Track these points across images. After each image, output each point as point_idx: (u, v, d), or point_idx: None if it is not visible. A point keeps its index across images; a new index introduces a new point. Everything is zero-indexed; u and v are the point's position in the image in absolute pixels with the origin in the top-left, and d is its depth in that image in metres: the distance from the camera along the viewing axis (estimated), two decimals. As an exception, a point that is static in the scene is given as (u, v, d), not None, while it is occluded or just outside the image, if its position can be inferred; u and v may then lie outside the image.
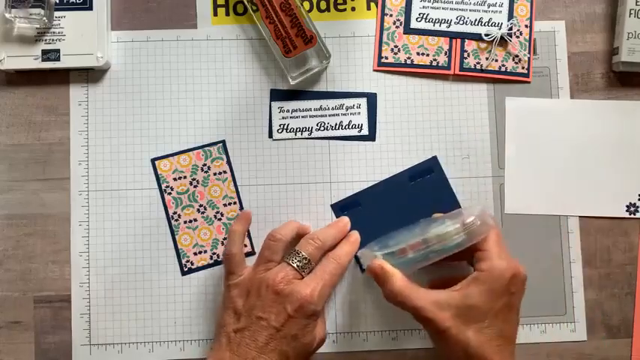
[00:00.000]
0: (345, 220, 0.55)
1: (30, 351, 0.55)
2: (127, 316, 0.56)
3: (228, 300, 0.51)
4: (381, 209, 0.57)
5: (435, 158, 0.57)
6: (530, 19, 0.59)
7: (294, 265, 0.50)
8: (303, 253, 0.51)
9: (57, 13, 0.56)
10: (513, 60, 0.58)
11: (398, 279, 0.48)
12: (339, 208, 0.57)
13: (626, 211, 0.58)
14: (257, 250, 0.57)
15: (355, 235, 0.55)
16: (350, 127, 0.58)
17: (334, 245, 0.53)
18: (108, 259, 0.56)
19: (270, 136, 0.58)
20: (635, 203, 0.58)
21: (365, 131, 0.58)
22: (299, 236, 0.53)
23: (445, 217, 0.51)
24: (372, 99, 0.58)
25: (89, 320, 0.56)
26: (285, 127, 0.58)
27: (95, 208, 0.57)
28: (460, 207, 0.57)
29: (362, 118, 0.58)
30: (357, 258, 0.55)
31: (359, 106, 0.58)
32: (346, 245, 0.54)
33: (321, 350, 0.55)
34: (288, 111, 0.58)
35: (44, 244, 0.56)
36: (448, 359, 0.48)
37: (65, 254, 0.56)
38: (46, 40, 0.56)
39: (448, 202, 0.57)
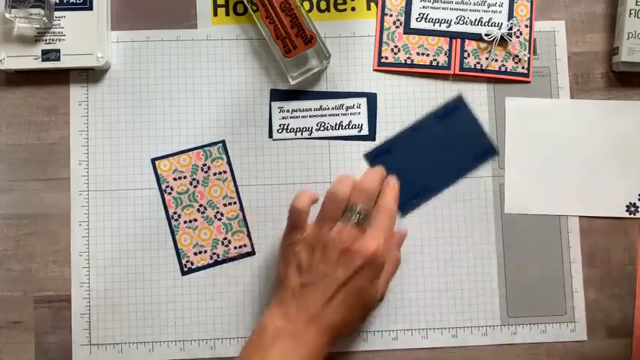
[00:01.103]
0: (381, 168, 0.55)
1: (30, 351, 0.55)
2: (127, 316, 0.56)
3: (292, 255, 0.51)
4: (412, 153, 0.58)
5: (460, 97, 0.58)
6: (530, 19, 0.59)
7: (354, 222, 0.50)
8: (359, 207, 0.51)
9: (57, 13, 0.56)
10: (513, 60, 0.58)
11: None
12: (374, 157, 0.58)
13: (626, 211, 0.58)
14: (257, 249, 0.57)
15: (394, 180, 0.54)
16: (350, 127, 0.58)
17: (380, 186, 0.53)
18: (108, 259, 0.56)
19: (270, 136, 0.58)
20: (635, 203, 0.58)
21: (365, 131, 0.58)
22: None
23: None
24: (372, 99, 0.58)
25: (89, 320, 0.56)
26: (285, 127, 0.58)
27: (95, 208, 0.57)
28: (492, 143, 0.58)
29: (362, 118, 0.58)
30: None
31: (359, 106, 0.58)
32: (390, 191, 0.53)
33: (321, 350, 0.56)
34: (288, 111, 0.58)
35: (44, 244, 0.56)
36: None
37: (65, 254, 0.56)
38: (46, 40, 0.56)
39: (480, 140, 0.58)
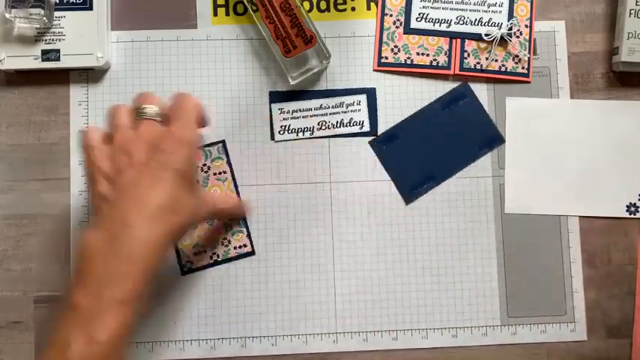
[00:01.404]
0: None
1: (30, 351, 0.55)
2: (127, 316, 0.56)
3: (93, 168, 0.45)
4: (418, 141, 0.58)
5: (466, 84, 0.58)
6: (530, 19, 0.59)
7: (152, 114, 0.46)
8: (151, 107, 0.46)
9: (57, 13, 0.56)
10: (513, 60, 0.58)
11: None
12: (379, 144, 0.57)
13: (626, 211, 0.58)
14: (257, 249, 0.57)
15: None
16: (351, 124, 0.58)
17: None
18: (108, 259, 0.56)
19: (272, 137, 0.58)
20: (635, 203, 0.58)
21: (367, 127, 0.58)
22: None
23: None
24: (371, 95, 0.58)
25: (89, 320, 0.56)
26: (287, 128, 0.58)
27: (95, 208, 0.57)
28: (497, 130, 0.58)
29: (362, 115, 0.58)
30: None
31: (359, 103, 0.58)
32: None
33: (321, 350, 0.56)
34: (288, 112, 0.58)
35: (44, 244, 0.56)
36: None
37: (65, 254, 0.56)
38: (46, 40, 0.56)
39: (485, 127, 0.58)
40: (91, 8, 0.56)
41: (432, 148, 0.58)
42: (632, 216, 0.58)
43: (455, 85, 0.58)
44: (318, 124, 0.58)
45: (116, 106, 0.47)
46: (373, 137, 0.58)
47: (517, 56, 0.58)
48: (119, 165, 0.44)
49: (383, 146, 0.57)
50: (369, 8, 0.59)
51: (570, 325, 0.57)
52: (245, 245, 0.57)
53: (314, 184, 0.57)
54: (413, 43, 0.58)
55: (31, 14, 0.54)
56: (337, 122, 0.58)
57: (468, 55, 0.58)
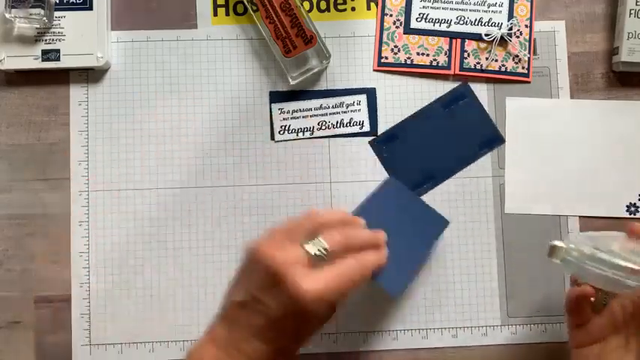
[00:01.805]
0: (382, 234, 0.48)
1: (30, 351, 0.55)
2: (127, 316, 0.56)
3: (241, 264, 0.44)
4: (418, 141, 0.58)
5: (466, 84, 0.58)
6: (530, 19, 0.59)
7: (312, 253, 0.42)
8: (326, 245, 0.43)
9: (57, 13, 0.56)
10: (513, 60, 0.58)
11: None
12: (379, 144, 0.57)
13: (626, 211, 0.58)
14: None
15: (386, 251, 0.47)
16: (351, 124, 0.58)
17: (366, 247, 0.45)
18: (108, 259, 0.56)
19: (273, 137, 0.58)
20: (635, 203, 0.58)
21: (366, 128, 0.58)
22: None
23: None
24: (371, 95, 0.58)
25: (89, 320, 0.56)
26: (287, 128, 0.58)
27: (95, 208, 0.57)
28: (497, 130, 0.57)
29: (362, 115, 0.58)
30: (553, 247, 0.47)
31: (359, 103, 0.58)
32: (376, 254, 0.46)
33: (322, 350, 0.56)
34: (288, 112, 0.58)
35: (44, 244, 0.56)
36: None
37: (65, 254, 0.56)
38: (46, 40, 0.56)
39: (485, 127, 0.58)
40: (91, 8, 0.56)
41: (433, 148, 0.58)
42: (632, 216, 0.58)
43: (455, 85, 0.58)
44: (318, 124, 0.58)
45: (337, 211, 0.47)
46: (373, 137, 0.58)
47: (517, 56, 0.58)
48: (256, 291, 0.42)
49: (383, 146, 0.57)
50: (369, 8, 0.59)
51: (570, 325, 0.57)
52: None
53: (314, 184, 0.57)
54: (413, 43, 0.58)
55: (31, 14, 0.54)
56: (337, 122, 0.58)
57: (468, 55, 0.58)
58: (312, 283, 0.41)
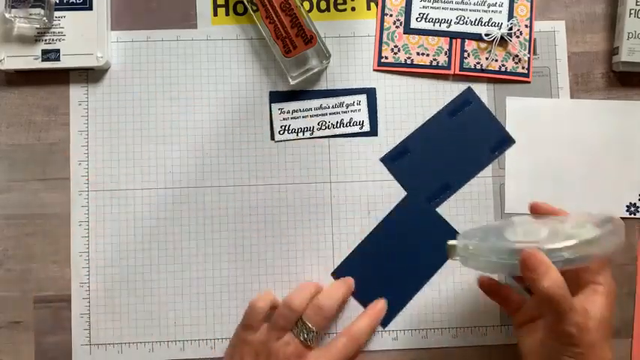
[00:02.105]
0: (351, 281, 0.56)
1: (30, 351, 0.55)
2: (126, 316, 0.56)
3: (238, 355, 0.51)
4: (429, 152, 0.57)
5: (469, 89, 0.58)
6: (530, 19, 0.59)
7: (302, 339, 0.51)
8: (310, 325, 0.51)
9: (57, 13, 0.56)
10: (513, 60, 0.58)
11: (556, 271, 0.42)
12: (390, 160, 0.57)
13: (626, 211, 0.58)
14: (257, 249, 0.57)
15: (380, 305, 0.55)
16: (351, 124, 0.58)
17: (342, 305, 0.54)
18: (108, 259, 0.56)
19: (272, 137, 0.58)
20: (635, 203, 0.58)
21: (366, 127, 0.58)
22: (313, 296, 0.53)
23: (563, 219, 0.47)
24: (371, 95, 0.58)
25: (89, 320, 0.56)
26: (287, 128, 0.58)
27: (95, 208, 0.57)
28: (507, 132, 0.57)
29: (362, 115, 0.58)
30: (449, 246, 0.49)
31: (359, 103, 0.58)
32: (367, 319, 0.54)
33: (321, 350, 0.56)
34: (288, 112, 0.58)
35: (44, 244, 0.56)
36: None
37: (65, 254, 0.56)
38: (46, 40, 0.56)
39: (494, 130, 0.58)
40: (91, 8, 0.56)
41: (445, 158, 0.57)
42: (632, 216, 0.58)
43: (456, 86, 0.58)
44: (318, 124, 0.58)
45: (303, 288, 0.53)
46: (384, 155, 0.57)
47: (517, 56, 0.58)
48: None
49: (395, 161, 0.57)
50: (369, 8, 0.59)
51: (570, 325, 0.57)
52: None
53: (314, 184, 0.57)
54: (413, 43, 0.58)
55: (31, 14, 0.54)
56: (337, 122, 0.58)
57: (468, 55, 0.58)
58: None
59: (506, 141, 0.58)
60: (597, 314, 0.44)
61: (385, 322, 0.56)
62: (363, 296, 0.56)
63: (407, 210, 0.56)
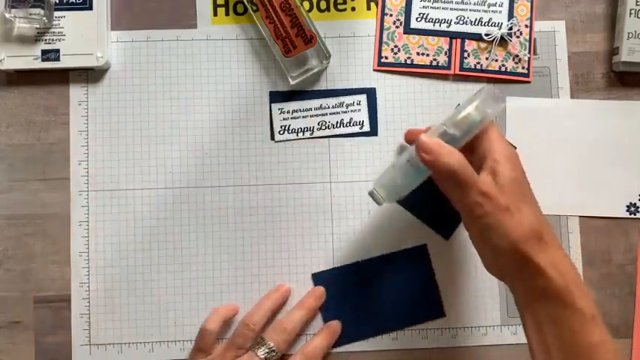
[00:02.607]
0: (319, 292, 0.55)
1: (30, 351, 0.55)
2: (127, 316, 0.56)
3: None
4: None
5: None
6: (531, 19, 0.59)
7: (261, 356, 0.51)
8: (271, 344, 0.52)
9: (57, 13, 0.56)
10: (513, 60, 0.58)
11: (450, 147, 0.45)
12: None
13: (626, 211, 0.58)
14: (257, 250, 0.57)
15: (335, 325, 0.55)
16: (351, 124, 0.58)
17: (305, 326, 0.54)
18: (108, 259, 0.56)
19: (272, 137, 0.58)
20: (635, 203, 0.58)
21: (366, 127, 0.58)
22: (274, 313, 0.54)
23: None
24: (371, 95, 0.58)
25: (89, 320, 0.56)
26: (287, 128, 0.58)
27: (95, 208, 0.57)
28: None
29: (362, 115, 0.58)
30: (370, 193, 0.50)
31: (359, 103, 0.58)
32: (320, 339, 0.54)
33: (321, 350, 0.56)
34: (288, 112, 0.58)
35: (44, 244, 0.56)
36: (490, 250, 0.45)
37: (65, 254, 0.56)
38: (45, 40, 0.56)
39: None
40: (90, 8, 0.56)
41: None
42: (632, 216, 0.58)
43: (456, 86, 0.58)
44: (318, 124, 0.58)
45: (262, 305, 0.54)
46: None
47: (517, 56, 0.58)
48: None
49: (405, 202, 0.56)
50: (369, 8, 0.59)
51: (570, 325, 0.57)
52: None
53: (314, 184, 0.57)
54: (413, 43, 0.58)
55: (31, 14, 0.54)
56: (337, 122, 0.58)
57: (468, 55, 0.58)
58: None
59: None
60: (505, 178, 0.44)
61: (339, 343, 0.55)
62: (329, 313, 0.56)
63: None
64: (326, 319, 0.56)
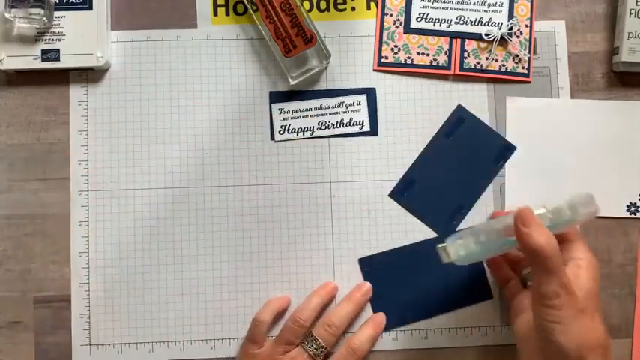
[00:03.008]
0: (366, 288, 0.56)
1: (30, 351, 0.55)
2: (127, 316, 0.56)
3: None
4: (435, 178, 0.57)
5: (459, 106, 0.57)
6: (531, 18, 0.59)
7: (311, 352, 0.52)
8: (320, 341, 0.52)
9: (57, 13, 0.56)
10: (513, 60, 0.58)
11: (547, 230, 0.43)
12: (399, 194, 0.57)
13: (626, 211, 0.58)
14: (258, 250, 0.57)
15: (380, 317, 0.55)
16: (351, 124, 0.58)
17: (353, 320, 0.55)
18: (108, 259, 0.56)
19: (272, 137, 0.58)
20: (635, 203, 0.58)
21: (367, 127, 0.58)
22: (323, 308, 0.55)
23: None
24: (371, 95, 0.58)
25: (89, 320, 0.56)
26: (287, 128, 0.58)
27: (95, 208, 0.57)
28: (506, 140, 0.57)
29: (363, 115, 0.58)
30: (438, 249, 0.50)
31: (359, 103, 0.58)
32: (368, 329, 0.54)
33: (321, 350, 0.56)
34: (288, 112, 0.58)
35: (44, 244, 0.56)
36: (550, 344, 0.43)
37: (65, 254, 0.56)
38: (46, 40, 0.56)
39: (494, 142, 0.58)
40: (91, 8, 0.56)
41: (451, 180, 0.57)
42: (632, 216, 0.58)
43: (456, 86, 0.58)
44: (318, 124, 0.58)
45: (312, 300, 0.54)
46: (392, 190, 0.57)
47: (517, 56, 0.58)
48: None
49: (404, 194, 0.57)
50: (369, 8, 0.59)
51: (570, 325, 0.57)
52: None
53: (314, 184, 0.57)
54: (413, 43, 0.58)
55: (31, 14, 0.54)
56: (337, 122, 0.58)
57: (468, 55, 0.58)
58: None
59: (508, 149, 0.58)
60: (585, 284, 0.44)
61: (387, 328, 0.56)
62: (376, 299, 0.56)
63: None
64: (374, 306, 0.56)
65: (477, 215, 0.57)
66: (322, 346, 0.52)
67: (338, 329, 0.53)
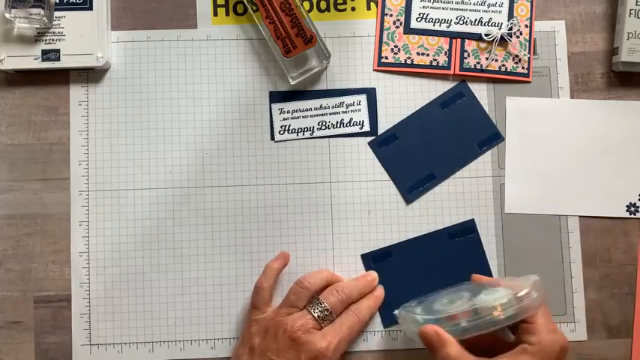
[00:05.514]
0: (374, 275, 0.56)
1: (30, 351, 0.55)
2: (127, 316, 0.56)
3: (247, 334, 0.52)
4: (418, 141, 0.57)
5: (464, 82, 0.58)
6: (531, 19, 0.59)
7: (315, 315, 0.51)
8: (325, 304, 0.51)
9: (57, 13, 0.56)
10: (513, 60, 0.58)
11: (454, 346, 0.46)
12: (378, 145, 0.57)
13: (626, 211, 0.58)
14: (258, 249, 0.57)
15: (380, 291, 0.56)
16: (351, 124, 0.58)
17: (359, 299, 0.54)
18: (108, 259, 0.56)
19: (273, 138, 0.58)
20: (635, 203, 0.58)
21: (367, 127, 0.58)
22: (329, 284, 0.54)
23: (491, 284, 0.50)
24: (371, 95, 0.58)
25: (89, 320, 0.56)
26: (287, 128, 0.58)
27: (95, 208, 0.57)
28: (497, 128, 0.57)
29: (362, 115, 0.58)
30: (391, 315, 0.54)
31: (359, 103, 0.58)
32: (369, 300, 0.55)
33: (321, 350, 0.56)
34: (288, 112, 0.58)
35: (44, 244, 0.56)
36: None
37: (65, 254, 0.56)
38: (46, 40, 0.56)
39: (484, 126, 0.58)
40: (91, 8, 0.56)
41: (432, 148, 0.58)
42: (632, 216, 0.58)
43: (453, 84, 0.58)
44: (318, 124, 0.58)
45: (321, 271, 0.55)
46: (372, 138, 0.57)
47: (517, 56, 0.58)
48: (276, 356, 0.50)
49: (382, 147, 0.57)
50: (369, 8, 0.59)
51: (570, 325, 0.57)
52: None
53: (314, 184, 0.57)
54: (413, 43, 0.58)
55: (31, 14, 0.54)
56: (337, 122, 0.58)
57: (468, 55, 0.58)
58: (325, 342, 0.50)
59: (496, 137, 0.58)
60: None
61: (388, 325, 0.56)
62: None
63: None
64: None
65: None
66: (327, 310, 0.51)
67: (346, 296, 0.52)
